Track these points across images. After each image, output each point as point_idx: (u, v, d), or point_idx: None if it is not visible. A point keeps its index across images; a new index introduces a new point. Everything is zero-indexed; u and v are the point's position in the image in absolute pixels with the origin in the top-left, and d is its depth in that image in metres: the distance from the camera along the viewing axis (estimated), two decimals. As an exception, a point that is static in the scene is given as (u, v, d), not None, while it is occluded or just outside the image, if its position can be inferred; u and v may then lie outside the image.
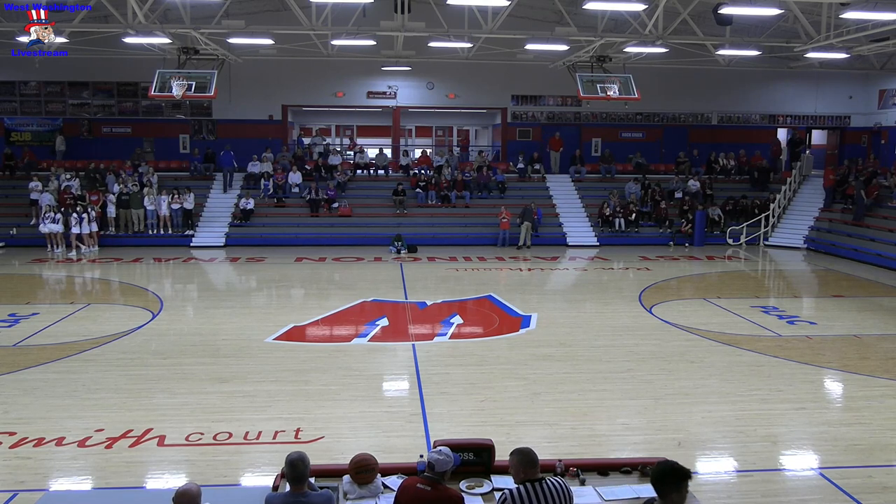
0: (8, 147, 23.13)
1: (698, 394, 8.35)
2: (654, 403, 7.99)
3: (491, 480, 4.66)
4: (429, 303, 13.27)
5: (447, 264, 17.74)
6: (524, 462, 4.00)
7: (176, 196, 20.63)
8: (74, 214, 19.05)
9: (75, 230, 18.94)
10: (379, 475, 4.59)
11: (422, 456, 4.49)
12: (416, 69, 23.41)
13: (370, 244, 20.17)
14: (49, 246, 19.01)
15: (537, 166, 24.02)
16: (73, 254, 18.70)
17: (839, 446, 6.90)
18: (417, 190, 22.47)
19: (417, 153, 25.95)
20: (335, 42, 20.01)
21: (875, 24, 15.80)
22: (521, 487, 3.92)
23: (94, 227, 19.41)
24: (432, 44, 20.30)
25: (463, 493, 4.46)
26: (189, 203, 20.78)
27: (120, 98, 23.92)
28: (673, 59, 21.65)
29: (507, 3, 15.08)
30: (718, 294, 14.33)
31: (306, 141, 25.84)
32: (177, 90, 18.13)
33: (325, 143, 25.80)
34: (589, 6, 15.31)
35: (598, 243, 21.21)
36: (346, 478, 4.55)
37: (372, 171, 24.13)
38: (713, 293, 14.50)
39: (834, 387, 8.98)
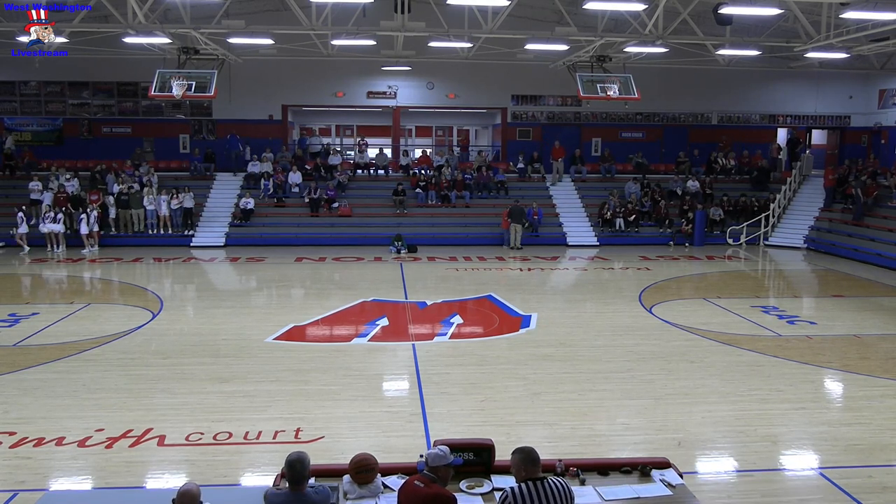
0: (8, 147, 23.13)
1: (698, 394, 8.35)
2: (654, 403, 7.98)
3: (491, 480, 4.66)
4: (429, 303, 13.27)
5: (447, 264, 17.74)
6: (525, 461, 4.01)
7: (175, 195, 20.62)
8: (84, 214, 19.20)
9: (84, 230, 19.10)
10: (379, 475, 4.58)
11: (421, 455, 4.50)
12: (416, 69, 23.41)
13: (370, 244, 20.17)
14: (48, 245, 19.04)
15: (537, 166, 24.02)
16: (86, 250, 18.97)
17: (839, 446, 6.89)
18: (417, 190, 22.47)
19: (417, 153, 25.94)
20: (335, 42, 20.02)
21: (875, 24, 15.81)
22: (523, 486, 3.93)
23: (95, 227, 19.44)
24: (432, 44, 20.30)
25: (463, 493, 4.47)
26: (189, 202, 20.79)
27: (120, 98, 23.92)
28: (673, 59, 21.65)
29: (507, 3, 15.08)
30: (718, 294, 14.33)
31: (307, 140, 25.82)
32: (177, 90, 18.13)
33: (323, 143, 25.76)
34: (589, 6, 15.31)
35: (598, 243, 21.21)
36: (346, 478, 4.55)
37: (372, 171, 24.14)
38: (713, 293, 14.50)
39: (834, 387, 8.98)
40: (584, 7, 15.52)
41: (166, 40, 17.86)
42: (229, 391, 8.25)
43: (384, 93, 24.66)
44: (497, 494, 4.37)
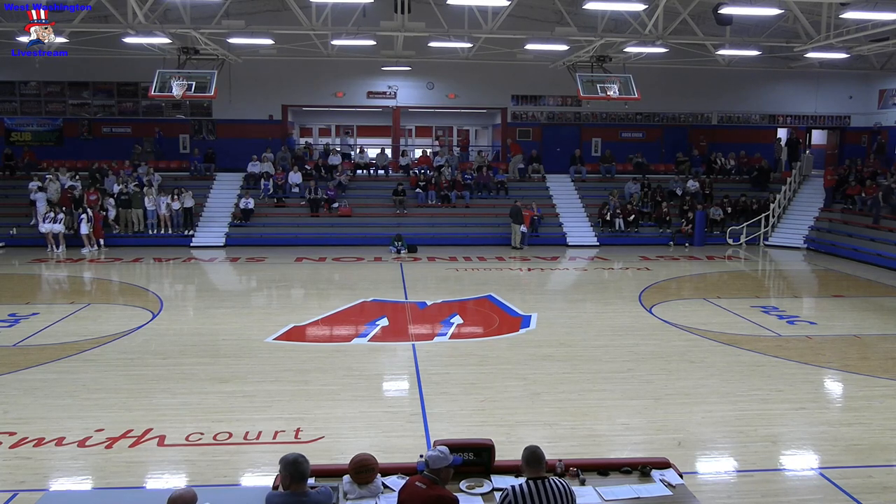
0: (8, 147, 23.14)
1: (698, 394, 8.35)
2: (654, 403, 7.99)
3: (491, 480, 4.66)
4: (429, 303, 13.27)
5: (447, 264, 17.73)
6: (527, 459, 4.07)
7: (175, 195, 20.62)
8: (84, 215, 19.20)
9: (84, 230, 19.09)
10: (379, 475, 4.59)
11: (422, 456, 4.50)
12: (416, 69, 23.40)
13: (370, 244, 20.17)
14: (49, 246, 19.04)
15: (537, 166, 24.01)
16: (85, 250, 18.99)
17: (839, 446, 6.90)
18: (417, 190, 22.47)
19: (417, 153, 25.93)
20: (335, 42, 20.01)
21: (875, 24, 15.80)
22: (524, 485, 3.95)
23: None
24: (432, 44, 20.29)
25: (463, 493, 4.47)
26: (189, 201, 20.78)
27: (120, 98, 23.93)
28: (673, 59, 21.64)
29: (507, 3, 15.07)
30: (718, 294, 14.33)
31: (294, 141, 25.76)
32: (177, 90, 18.12)
33: (306, 142, 25.72)
34: (589, 6, 15.31)
35: (598, 243, 21.20)
36: (346, 478, 4.56)
37: (372, 171, 24.14)
38: (713, 293, 14.50)
39: (834, 387, 8.98)
40: (584, 7, 15.51)
41: (166, 40, 17.86)
42: (229, 391, 8.25)
43: (384, 93, 24.66)
44: (497, 494, 4.38)
